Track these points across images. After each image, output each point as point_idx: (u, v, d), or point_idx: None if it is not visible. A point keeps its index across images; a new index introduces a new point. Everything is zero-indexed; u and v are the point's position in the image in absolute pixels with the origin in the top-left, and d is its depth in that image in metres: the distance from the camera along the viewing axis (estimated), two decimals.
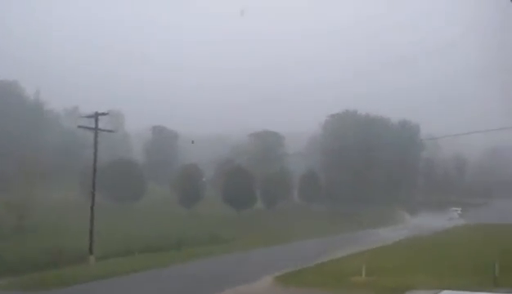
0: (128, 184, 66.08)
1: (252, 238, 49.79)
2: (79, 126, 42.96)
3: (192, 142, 74.94)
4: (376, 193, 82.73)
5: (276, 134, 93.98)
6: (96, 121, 39.42)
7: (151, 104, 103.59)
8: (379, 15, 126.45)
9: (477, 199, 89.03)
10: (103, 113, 40.76)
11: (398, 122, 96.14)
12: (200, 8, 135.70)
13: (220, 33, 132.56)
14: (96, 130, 39.38)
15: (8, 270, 28.41)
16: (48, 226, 44.11)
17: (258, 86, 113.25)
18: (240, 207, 68.33)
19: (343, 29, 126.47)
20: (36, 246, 35.20)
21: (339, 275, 24.69)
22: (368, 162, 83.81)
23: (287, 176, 78.91)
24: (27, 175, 47.58)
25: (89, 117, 40.99)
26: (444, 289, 5.35)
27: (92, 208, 36.31)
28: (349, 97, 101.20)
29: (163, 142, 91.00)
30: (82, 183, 57.11)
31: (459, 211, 77.14)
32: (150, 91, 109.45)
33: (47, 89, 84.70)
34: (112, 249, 36.80)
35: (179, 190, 69.50)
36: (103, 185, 51.68)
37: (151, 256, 36.09)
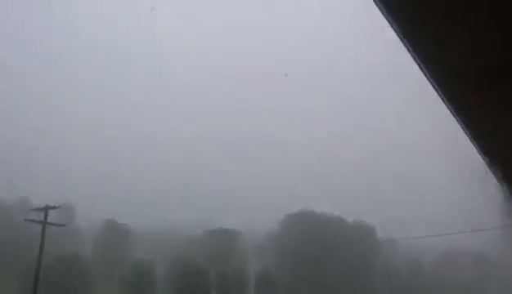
0: (72, 281, 62.33)
1: None
2: (26, 220, 41.12)
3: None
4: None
5: (232, 231, 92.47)
6: (46, 214, 37.96)
7: (104, 197, 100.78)
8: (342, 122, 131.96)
9: None
10: (54, 207, 39.44)
11: (354, 222, 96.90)
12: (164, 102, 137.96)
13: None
14: (44, 223, 37.77)
15: None
16: None
17: (214, 180, 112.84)
18: None
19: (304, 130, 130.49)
20: None
21: None
22: (325, 263, 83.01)
23: (243, 276, 76.79)
24: None
25: (39, 210, 39.50)
26: None
27: None
28: (306, 195, 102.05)
29: (115, 237, 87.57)
30: (23, 281, 53.48)
31: None
32: (104, 183, 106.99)
33: None
34: None
35: (129, 288, 66.14)
36: (46, 283, 48.44)
37: None
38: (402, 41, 2.63)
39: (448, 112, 2.92)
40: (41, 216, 38.16)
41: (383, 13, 2.67)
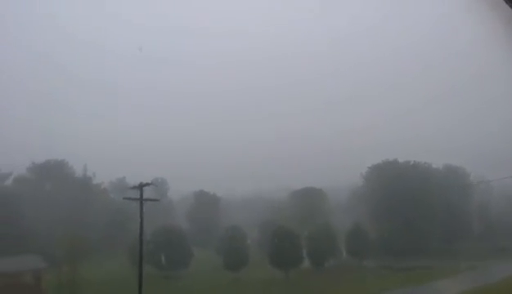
0: (173, 251, 65.91)
1: None
2: (124, 198, 43.55)
3: None
4: (429, 243, 79.16)
5: (317, 190, 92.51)
6: (141, 192, 39.86)
7: (193, 167, 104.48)
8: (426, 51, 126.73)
9: None
10: (147, 184, 41.41)
11: (442, 166, 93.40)
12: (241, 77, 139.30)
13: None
14: (140, 200, 39.69)
15: None
16: None
17: (292, 140, 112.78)
18: (288, 269, 66.65)
19: (381, 73, 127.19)
20: None
21: None
22: (416, 211, 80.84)
23: (333, 233, 76.65)
24: (75, 253, 48.05)
25: (134, 188, 41.54)
26: None
27: (139, 280, 36.09)
28: (388, 142, 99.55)
29: (205, 207, 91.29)
30: (130, 254, 57.43)
31: None
32: (191, 157, 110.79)
33: (95, 164, 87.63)
34: None
35: (224, 254, 68.86)
36: (149, 254, 51.64)
37: None
38: None
39: None
40: (137, 194, 40.11)
41: None
